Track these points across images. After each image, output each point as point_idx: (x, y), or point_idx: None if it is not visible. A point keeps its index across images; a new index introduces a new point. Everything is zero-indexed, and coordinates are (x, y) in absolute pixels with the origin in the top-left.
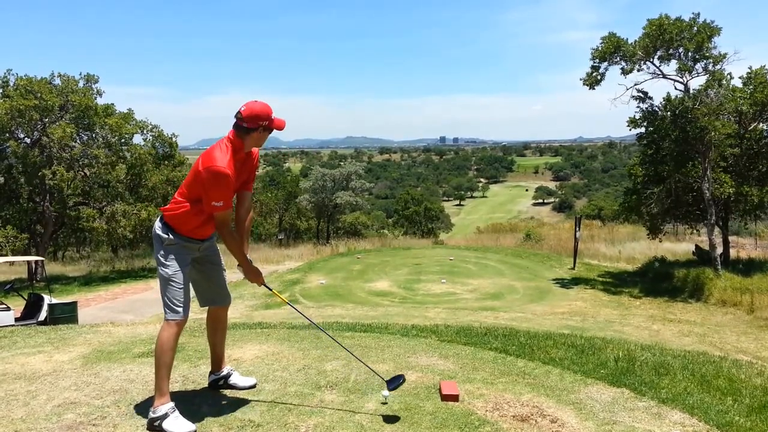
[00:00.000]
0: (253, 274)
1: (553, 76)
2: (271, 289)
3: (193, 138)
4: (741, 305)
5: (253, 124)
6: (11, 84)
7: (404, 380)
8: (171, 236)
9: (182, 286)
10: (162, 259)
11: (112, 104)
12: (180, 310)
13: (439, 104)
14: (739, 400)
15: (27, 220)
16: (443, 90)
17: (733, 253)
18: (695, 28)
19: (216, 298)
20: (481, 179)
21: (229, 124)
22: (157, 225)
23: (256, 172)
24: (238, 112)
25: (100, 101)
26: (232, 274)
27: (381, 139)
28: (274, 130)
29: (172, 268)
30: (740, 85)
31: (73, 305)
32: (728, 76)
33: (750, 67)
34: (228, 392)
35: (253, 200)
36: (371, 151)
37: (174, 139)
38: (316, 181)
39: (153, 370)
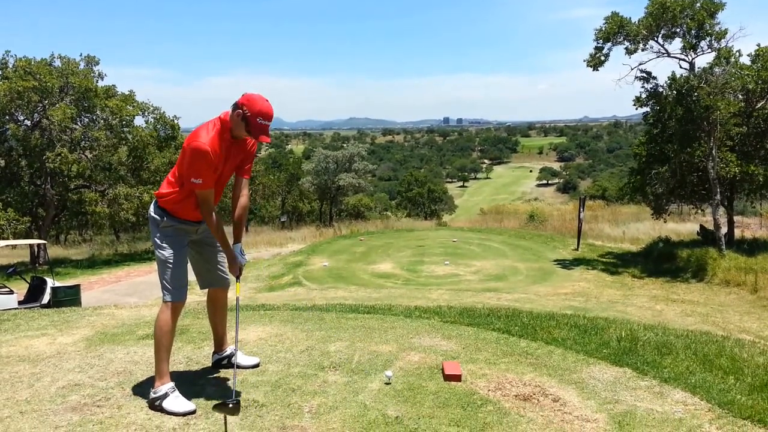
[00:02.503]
0: (231, 261)
1: (559, 55)
2: (237, 280)
3: (196, 120)
4: (745, 285)
5: (239, 103)
6: (10, 65)
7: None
8: (166, 219)
9: (180, 268)
10: (159, 242)
11: (113, 86)
12: (178, 292)
13: (443, 85)
14: (741, 379)
15: (28, 204)
16: (447, 70)
17: (737, 232)
18: (698, 4)
19: (214, 280)
20: (485, 160)
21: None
22: (152, 208)
23: (255, 155)
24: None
25: (101, 84)
26: None
27: (384, 121)
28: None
29: (169, 250)
30: (748, 63)
31: (76, 288)
32: (737, 53)
33: (758, 44)
34: (232, 373)
35: (259, 186)
36: (374, 132)
37: (176, 121)
38: (318, 163)
39: None
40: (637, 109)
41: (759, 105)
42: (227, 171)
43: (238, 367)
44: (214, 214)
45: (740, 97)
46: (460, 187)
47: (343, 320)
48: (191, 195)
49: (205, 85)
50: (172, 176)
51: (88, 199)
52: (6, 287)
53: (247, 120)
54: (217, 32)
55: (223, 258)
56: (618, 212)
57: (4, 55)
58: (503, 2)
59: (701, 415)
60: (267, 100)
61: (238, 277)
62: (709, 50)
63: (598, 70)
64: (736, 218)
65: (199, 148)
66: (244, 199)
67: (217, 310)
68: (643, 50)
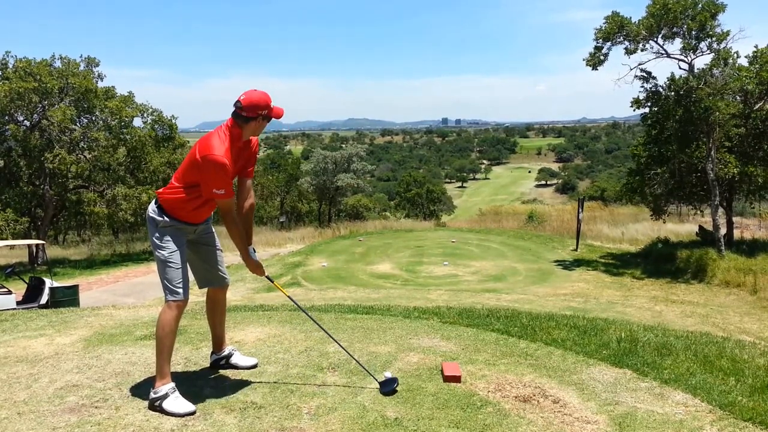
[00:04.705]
0: (252, 266)
1: (557, 57)
2: (272, 281)
3: (194, 121)
4: (744, 286)
5: (252, 113)
6: (10, 66)
7: (398, 384)
8: (166, 218)
9: (180, 267)
10: (158, 242)
11: (113, 87)
12: (180, 291)
13: (442, 85)
14: (742, 380)
15: (27, 204)
16: (446, 71)
17: (736, 233)
18: (699, 5)
19: (213, 279)
20: (484, 161)
21: (230, 108)
22: (152, 208)
23: (257, 156)
24: (238, 101)
25: (101, 84)
26: (234, 257)
27: (383, 121)
28: (273, 119)
29: (169, 249)
30: (746, 64)
31: (75, 288)
32: (735, 55)
33: (756, 46)
34: (230, 374)
35: (258, 186)
36: (373, 133)
37: (173, 121)
38: (317, 164)
39: (155, 353)
40: (635, 110)
41: (757, 106)
42: (234, 174)
43: (236, 367)
44: (236, 220)
45: (738, 98)
46: (458, 187)
47: (342, 321)
48: (196, 199)
49: (204, 87)
50: (177, 180)
51: (86, 200)
52: (4, 287)
53: (268, 116)
54: (216, 34)
55: (221, 257)
56: (617, 213)
57: (4, 55)
58: (502, 4)
59: (702, 417)
60: (256, 90)
61: (270, 279)
62: (709, 51)
63: (597, 69)
64: (735, 219)
65: (217, 161)
66: (251, 200)
67: (216, 310)
68: (642, 51)
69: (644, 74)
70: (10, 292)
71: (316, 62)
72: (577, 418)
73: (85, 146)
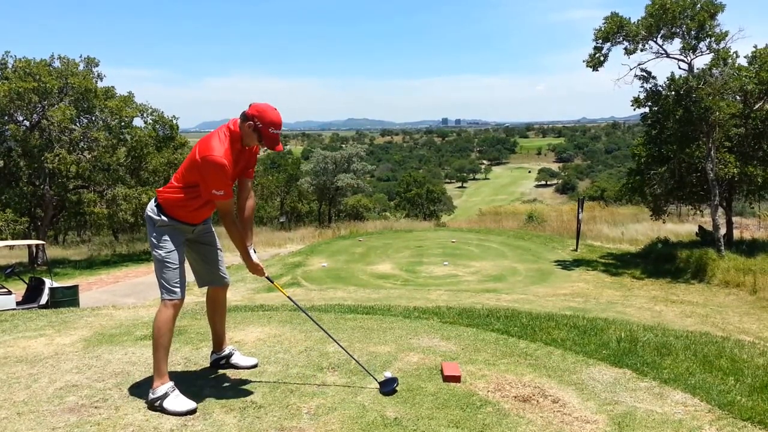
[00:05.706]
0: (253, 267)
1: (556, 56)
2: (272, 281)
3: (194, 121)
4: (744, 286)
5: (250, 115)
6: (9, 66)
7: (398, 383)
8: (164, 218)
9: (177, 266)
10: (155, 241)
11: (112, 87)
12: (176, 290)
13: (442, 86)
14: (741, 380)
15: (27, 204)
16: (446, 71)
17: (736, 233)
18: (698, 6)
19: (214, 278)
20: (484, 161)
21: (229, 107)
22: (151, 207)
23: (257, 157)
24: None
25: (101, 84)
26: (234, 257)
27: (383, 121)
28: (265, 142)
29: (166, 248)
30: (746, 64)
31: (75, 289)
32: (734, 55)
33: (755, 46)
34: (230, 374)
35: (258, 186)
36: (373, 133)
37: (174, 122)
38: (317, 164)
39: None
40: (635, 110)
41: (757, 106)
42: (235, 176)
43: (236, 367)
44: (235, 222)
45: (738, 98)
46: (458, 187)
47: (342, 321)
48: (195, 199)
49: (203, 86)
50: (177, 180)
51: (86, 200)
52: (4, 288)
53: (260, 131)
54: (215, 34)
55: (221, 257)
56: (616, 213)
57: (3, 55)
58: (501, 4)
59: (701, 417)
60: (276, 110)
61: (270, 279)
62: (708, 51)
63: (597, 70)
64: (734, 219)
65: (216, 162)
66: (251, 201)
67: (216, 310)
68: (642, 51)
69: (644, 74)
70: (10, 293)
71: (316, 62)
72: (577, 418)
73: (85, 146)
